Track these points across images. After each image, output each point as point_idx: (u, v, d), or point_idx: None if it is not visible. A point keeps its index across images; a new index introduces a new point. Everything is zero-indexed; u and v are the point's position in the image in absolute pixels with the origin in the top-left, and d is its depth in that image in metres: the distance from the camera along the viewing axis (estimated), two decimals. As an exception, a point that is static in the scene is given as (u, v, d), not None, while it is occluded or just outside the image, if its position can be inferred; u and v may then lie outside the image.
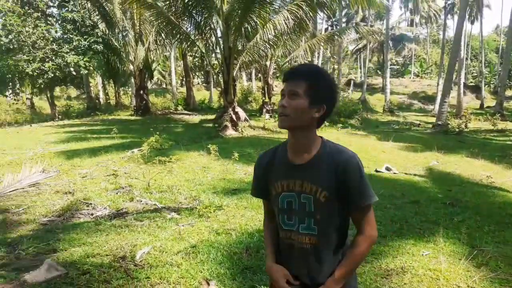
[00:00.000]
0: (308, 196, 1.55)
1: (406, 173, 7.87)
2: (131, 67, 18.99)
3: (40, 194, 5.92)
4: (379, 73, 48.40)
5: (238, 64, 12.87)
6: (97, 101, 25.80)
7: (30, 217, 4.96)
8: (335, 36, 15.55)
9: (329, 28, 41.12)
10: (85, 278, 3.24)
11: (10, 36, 15.99)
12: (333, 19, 38.69)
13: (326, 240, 1.58)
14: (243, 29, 11.65)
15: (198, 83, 43.92)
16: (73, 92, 37.24)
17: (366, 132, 15.08)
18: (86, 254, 3.70)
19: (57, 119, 18.16)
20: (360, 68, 49.31)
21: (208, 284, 3.11)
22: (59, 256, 3.67)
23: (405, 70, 52.15)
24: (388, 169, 7.95)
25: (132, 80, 25.53)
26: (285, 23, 10.89)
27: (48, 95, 19.19)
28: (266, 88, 21.06)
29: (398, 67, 53.37)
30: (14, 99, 19.77)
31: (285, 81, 1.56)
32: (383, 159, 9.20)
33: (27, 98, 21.25)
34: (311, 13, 11.44)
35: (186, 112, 21.94)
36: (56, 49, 16.36)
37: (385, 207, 5.25)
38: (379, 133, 14.59)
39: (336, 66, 32.77)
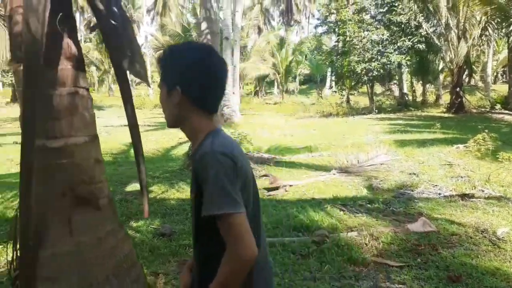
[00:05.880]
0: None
1: None
2: (448, 64, 18.88)
3: (389, 171, 7.32)
4: None
5: None
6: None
7: (388, 186, 6.37)
8: None
9: None
10: (455, 238, 4.11)
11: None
12: None
13: (198, 253, 1.38)
14: None
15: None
16: (378, 89, 40.11)
17: None
18: (449, 221, 4.58)
19: (374, 113, 20.38)
20: None
21: None
22: (428, 216, 4.71)
23: None
24: None
25: (440, 77, 25.17)
26: None
27: (369, 91, 21.78)
28: None
29: None
30: (340, 94, 23.59)
31: None
32: None
33: (349, 94, 24.90)
34: None
35: (506, 111, 19.75)
36: (382, 50, 18.43)
37: None
38: None
39: None
